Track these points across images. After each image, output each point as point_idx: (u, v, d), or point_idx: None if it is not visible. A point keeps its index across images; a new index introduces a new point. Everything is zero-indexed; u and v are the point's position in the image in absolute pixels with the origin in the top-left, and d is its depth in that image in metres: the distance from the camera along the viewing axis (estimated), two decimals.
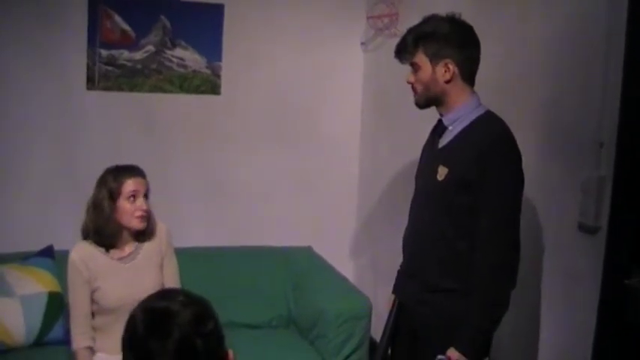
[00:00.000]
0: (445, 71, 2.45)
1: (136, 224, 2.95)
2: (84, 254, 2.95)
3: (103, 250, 2.97)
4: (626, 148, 2.31)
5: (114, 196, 2.92)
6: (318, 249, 4.24)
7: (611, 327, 2.32)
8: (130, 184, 2.92)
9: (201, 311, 1.55)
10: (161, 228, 3.12)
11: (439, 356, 2.40)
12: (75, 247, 2.98)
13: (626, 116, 2.30)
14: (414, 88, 2.54)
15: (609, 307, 2.33)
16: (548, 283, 2.72)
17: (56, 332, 3.41)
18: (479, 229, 2.38)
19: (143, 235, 3.04)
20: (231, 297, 3.77)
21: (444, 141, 2.53)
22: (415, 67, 2.51)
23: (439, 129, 2.58)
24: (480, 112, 2.49)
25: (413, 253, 2.63)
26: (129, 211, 2.93)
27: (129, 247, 3.02)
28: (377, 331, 3.79)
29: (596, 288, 2.38)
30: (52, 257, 3.63)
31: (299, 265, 4.06)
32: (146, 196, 2.97)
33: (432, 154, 2.59)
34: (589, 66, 2.49)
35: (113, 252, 2.99)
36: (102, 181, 2.97)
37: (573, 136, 2.58)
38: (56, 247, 3.67)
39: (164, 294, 1.64)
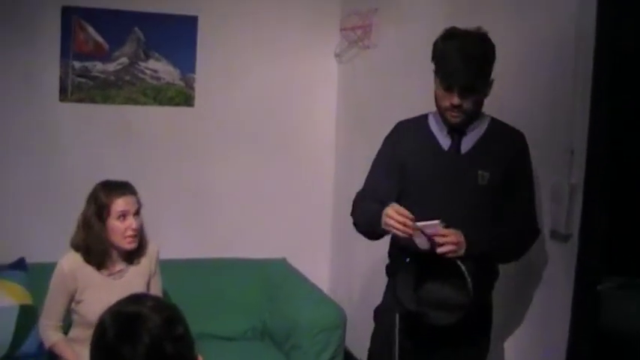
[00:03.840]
0: (490, 88, 2.48)
1: (127, 244, 2.90)
2: (74, 265, 2.90)
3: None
4: (596, 156, 2.34)
5: (103, 215, 2.86)
6: (293, 261, 4.24)
7: (585, 332, 2.35)
8: (119, 204, 2.87)
9: (170, 316, 1.55)
10: (152, 248, 3.07)
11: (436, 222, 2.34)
12: (66, 256, 2.93)
13: (595, 124, 2.34)
14: (460, 110, 2.43)
15: (582, 313, 2.36)
16: (521, 290, 2.74)
17: (28, 346, 3.36)
18: (515, 215, 2.49)
19: (133, 255, 2.99)
20: (205, 309, 3.75)
21: (467, 145, 2.51)
22: (474, 91, 2.43)
23: (443, 134, 2.54)
24: (487, 116, 2.55)
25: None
26: (119, 231, 2.87)
27: (119, 266, 2.98)
28: (351, 341, 3.80)
29: (569, 294, 2.41)
30: (24, 270, 3.59)
31: (273, 277, 4.05)
32: (138, 212, 2.93)
33: (453, 159, 2.51)
34: (559, 76, 2.53)
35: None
36: (92, 197, 2.90)
37: (544, 145, 2.61)
38: (28, 260, 3.64)
39: (133, 298, 1.62)
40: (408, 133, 2.65)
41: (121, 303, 1.58)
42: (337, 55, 4.34)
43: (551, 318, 2.55)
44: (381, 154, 2.72)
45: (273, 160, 4.35)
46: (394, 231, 2.36)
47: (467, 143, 2.52)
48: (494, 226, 2.48)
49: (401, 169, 2.59)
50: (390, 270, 2.70)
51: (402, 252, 2.51)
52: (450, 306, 2.38)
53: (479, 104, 2.47)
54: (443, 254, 2.32)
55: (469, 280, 2.32)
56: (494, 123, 2.56)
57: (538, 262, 2.64)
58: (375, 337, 2.73)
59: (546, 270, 2.59)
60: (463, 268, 2.33)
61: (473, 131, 2.52)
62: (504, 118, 2.81)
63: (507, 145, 2.52)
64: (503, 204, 2.50)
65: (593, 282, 2.30)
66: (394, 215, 2.35)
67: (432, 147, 2.56)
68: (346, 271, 4.29)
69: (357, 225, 2.65)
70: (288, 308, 3.76)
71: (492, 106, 2.87)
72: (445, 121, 2.50)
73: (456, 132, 2.52)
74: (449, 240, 2.32)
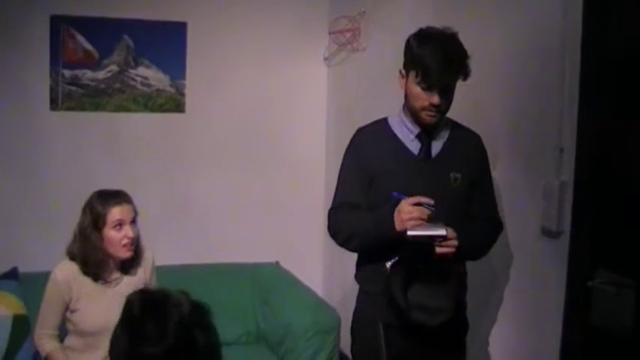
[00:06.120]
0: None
1: (123, 253, 2.87)
2: (68, 274, 2.87)
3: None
4: (585, 153, 2.36)
5: (99, 224, 2.83)
6: (286, 264, 4.25)
7: (577, 328, 2.36)
8: (115, 213, 2.84)
9: (200, 305, 1.55)
10: (148, 257, 3.05)
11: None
12: (60, 265, 2.90)
13: (584, 122, 2.36)
14: (438, 109, 2.45)
15: (574, 309, 2.37)
16: (514, 287, 2.76)
17: (22, 356, 3.34)
18: (483, 210, 2.59)
19: (129, 265, 2.96)
20: None
21: (436, 149, 2.53)
22: (450, 90, 2.46)
23: (410, 138, 2.53)
24: (447, 118, 2.55)
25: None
26: (115, 240, 2.84)
27: (114, 275, 2.96)
28: (346, 344, 3.80)
29: (561, 291, 2.42)
30: (16, 279, 3.58)
31: (267, 281, 4.06)
32: (134, 221, 2.91)
33: (426, 163, 2.52)
34: (548, 75, 2.55)
35: None
36: (87, 207, 2.88)
37: (535, 143, 2.63)
38: (21, 270, 3.63)
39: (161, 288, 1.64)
40: (371, 141, 2.60)
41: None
42: (326, 59, 4.35)
43: (543, 314, 2.57)
44: (347, 165, 2.65)
45: (265, 163, 4.36)
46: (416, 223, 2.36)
47: (436, 146, 2.53)
48: (470, 226, 2.50)
49: (370, 180, 2.54)
50: (365, 279, 2.64)
51: (379, 259, 2.49)
52: (435, 309, 2.41)
53: (451, 102, 2.49)
54: (440, 256, 2.36)
55: (454, 282, 2.43)
56: (453, 124, 2.60)
57: (530, 259, 2.66)
58: (358, 352, 2.69)
59: (538, 267, 2.60)
60: (453, 270, 2.41)
61: (440, 134, 2.54)
62: (492, 119, 2.84)
63: (471, 146, 2.59)
64: (472, 203, 2.56)
65: (585, 278, 2.31)
66: (411, 209, 2.36)
67: (401, 153, 2.53)
68: (340, 274, 4.29)
69: (349, 240, 2.57)
70: (282, 312, 3.77)
71: (480, 106, 2.90)
72: (419, 121, 2.49)
73: (425, 135, 2.52)
74: (452, 243, 2.36)
